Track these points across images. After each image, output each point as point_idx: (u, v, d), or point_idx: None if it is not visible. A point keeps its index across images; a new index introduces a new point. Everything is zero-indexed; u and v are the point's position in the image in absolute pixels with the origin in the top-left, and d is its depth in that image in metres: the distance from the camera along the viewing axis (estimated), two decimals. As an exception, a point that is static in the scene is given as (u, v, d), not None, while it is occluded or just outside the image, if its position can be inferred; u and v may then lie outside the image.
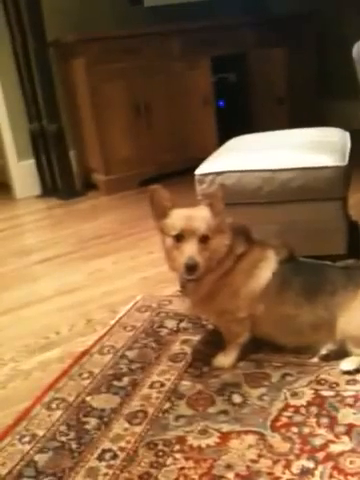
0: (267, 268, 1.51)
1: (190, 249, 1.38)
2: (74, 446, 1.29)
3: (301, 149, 1.89)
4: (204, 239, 1.40)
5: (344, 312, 1.45)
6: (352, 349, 1.45)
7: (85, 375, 1.55)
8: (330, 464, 1.14)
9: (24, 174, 3.73)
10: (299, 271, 1.53)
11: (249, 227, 1.56)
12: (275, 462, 1.17)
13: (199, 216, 1.44)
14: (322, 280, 1.51)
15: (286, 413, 1.31)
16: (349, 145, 1.98)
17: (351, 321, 1.44)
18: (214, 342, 1.63)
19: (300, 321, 1.49)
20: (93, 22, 3.69)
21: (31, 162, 3.71)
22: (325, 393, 1.36)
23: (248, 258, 1.51)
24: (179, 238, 1.41)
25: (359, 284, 1.47)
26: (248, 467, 1.16)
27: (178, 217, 1.44)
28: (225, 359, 1.53)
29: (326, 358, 1.48)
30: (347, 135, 2.10)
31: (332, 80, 4.27)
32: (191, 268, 1.38)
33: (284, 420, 1.29)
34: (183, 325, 1.76)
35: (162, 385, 1.47)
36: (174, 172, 3.51)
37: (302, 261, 1.58)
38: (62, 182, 3.63)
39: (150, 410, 1.38)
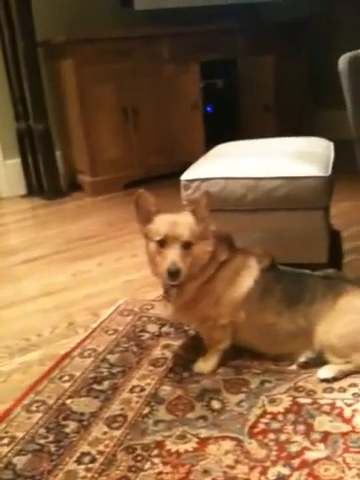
0: (249, 276, 1.53)
1: (173, 255, 1.40)
2: (53, 449, 1.29)
3: (286, 158, 1.91)
4: (187, 245, 1.42)
5: (322, 321, 1.48)
6: (330, 358, 1.47)
7: (66, 378, 1.56)
8: (305, 471, 1.16)
9: (9, 173, 3.71)
10: (280, 279, 1.56)
11: (231, 235, 1.58)
12: (252, 468, 1.18)
13: (183, 222, 1.45)
14: (302, 289, 1.54)
15: (264, 420, 1.33)
16: (333, 155, 2.01)
17: (329, 331, 1.46)
18: (195, 347, 1.65)
19: (279, 329, 1.51)
20: (83, 23, 3.69)
21: (17, 161, 3.70)
22: (302, 400, 1.38)
23: (230, 266, 1.53)
24: (162, 244, 1.42)
25: (338, 294, 1.50)
26: (225, 473, 1.18)
27: (162, 222, 1.45)
28: (205, 365, 1.55)
29: (305, 366, 1.51)
30: (331, 145, 2.13)
31: (320, 89, 4.31)
32: (173, 274, 1.39)
33: (261, 427, 1.30)
34: (165, 330, 1.77)
35: (142, 389, 1.48)
36: (161, 175, 3.53)
37: (283, 270, 1.60)
38: (47, 182, 3.63)
39: (130, 414, 1.39)
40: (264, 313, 1.52)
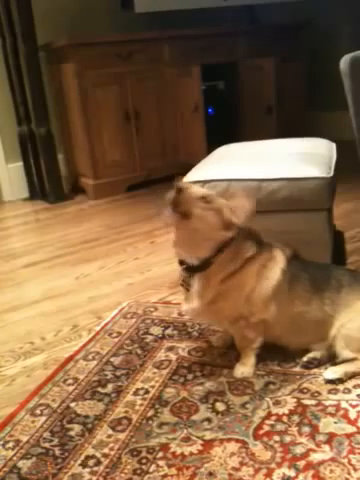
0: (276, 267, 1.49)
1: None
2: (58, 452, 1.29)
3: (288, 159, 1.91)
4: (205, 200, 1.39)
5: (346, 309, 1.46)
6: (340, 351, 1.46)
7: (70, 381, 1.56)
8: (311, 472, 1.16)
9: (12, 177, 3.72)
10: (306, 268, 1.54)
11: (258, 231, 1.54)
12: (257, 470, 1.18)
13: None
14: (328, 276, 1.53)
15: (268, 421, 1.32)
16: (335, 156, 2.01)
17: (349, 320, 1.45)
18: (199, 349, 1.65)
19: (308, 317, 1.49)
20: (84, 27, 3.71)
21: (19, 165, 3.71)
22: (307, 402, 1.38)
23: (258, 260, 1.48)
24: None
25: None
26: (230, 475, 1.17)
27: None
28: (246, 368, 1.52)
29: (308, 366, 1.50)
30: (333, 146, 2.13)
31: (321, 91, 4.32)
32: (177, 190, 1.35)
33: (266, 428, 1.30)
34: (168, 332, 1.77)
35: (146, 392, 1.48)
36: (163, 178, 3.54)
37: (307, 260, 1.57)
38: (50, 185, 3.64)
39: (134, 417, 1.39)
40: (294, 302, 1.49)
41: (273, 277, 1.48)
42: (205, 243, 1.43)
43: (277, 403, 1.38)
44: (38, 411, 1.44)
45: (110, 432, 1.34)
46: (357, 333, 1.45)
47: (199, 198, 1.39)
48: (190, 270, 1.47)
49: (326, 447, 1.22)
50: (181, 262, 1.48)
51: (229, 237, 1.43)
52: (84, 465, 1.24)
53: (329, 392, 1.41)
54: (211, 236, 1.42)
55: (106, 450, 1.28)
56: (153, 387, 1.50)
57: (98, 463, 1.24)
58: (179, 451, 1.26)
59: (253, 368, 1.52)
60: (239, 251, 1.46)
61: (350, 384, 1.42)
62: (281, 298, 1.49)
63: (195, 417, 1.36)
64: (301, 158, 1.91)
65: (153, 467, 1.22)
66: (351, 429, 1.27)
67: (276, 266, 1.49)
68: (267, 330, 1.52)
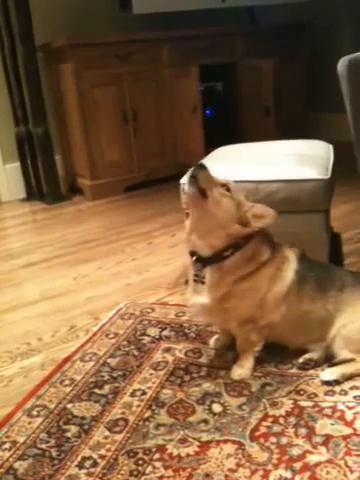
0: (290, 268, 1.49)
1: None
2: (54, 453, 1.29)
3: (286, 161, 1.91)
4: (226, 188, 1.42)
5: (348, 309, 1.47)
6: (339, 351, 1.47)
7: (67, 382, 1.56)
8: (307, 474, 1.16)
9: (9, 177, 3.72)
10: (312, 267, 1.54)
11: (270, 233, 1.54)
12: (253, 472, 1.18)
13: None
14: (332, 276, 1.54)
15: (265, 423, 1.33)
16: (332, 158, 2.01)
17: (350, 321, 1.46)
18: (196, 351, 1.65)
19: (313, 316, 1.49)
20: (82, 27, 3.71)
21: (16, 165, 3.71)
22: (304, 403, 1.38)
23: (272, 263, 1.48)
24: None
25: None
26: (226, 476, 1.18)
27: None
28: (244, 370, 1.52)
29: (304, 367, 1.51)
30: (331, 148, 2.14)
31: (320, 92, 4.32)
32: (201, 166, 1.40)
33: (263, 430, 1.30)
34: (165, 333, 1.77)
35: (143, 393, 1.48)
36: (160, 179, 3.54)
37: (313, 259, 1.58)
38: (47, 186, 3.63)
39: (131, 418, 1.39)
40: (301, 302, 1.49)
41: (287, 277, 1.49)
42: (218, 231, 1.42)
43: (274, 404, 1.39)
44: (35, 412, 1.44)
45: (107, 433, 1.34)
46: (357, 334, 1.45)
47: (220, 183, 1.43)
48: (201, 261, 1.46)
49: (323, 449, 1.23)
50: (192, 253, 1.47)
51: (243, 234, 1.43)
52: (81, 466, 1.24)
53: (326, 394, 1.41)
54: (225, 224, 1.42)
55: (103, 451, 1.28)
56: (150, 388, 1.50)
57: (95, 464, 1.24)
58: (176, 452, 1.26)
59: (251, 370, 1.52)
60: (255, 254, 1.46)
61: (347, 386, 1.42)
62: (291, 298, 1.49)
63: (192, 418, 1.37)
64: (299, 159, 1.91)
65: (150, 468, 1.22)
66: (347, 431, 1.27)
67: (290, 267, 1.50)
68: (271, 329, 1.52)
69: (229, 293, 1.45)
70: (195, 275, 1.48)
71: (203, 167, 1.42)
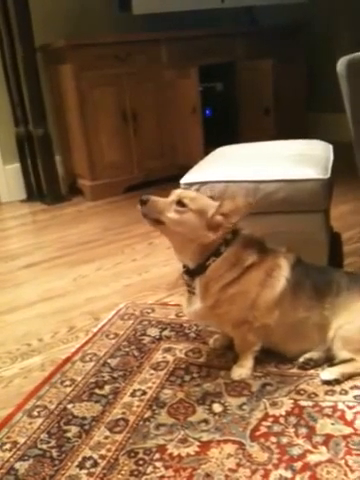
0: (281, 275, 1.49)
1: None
2: (55, 454, 1.29)
3: (285, 161, 1.91)
4: (180, 203, 1.42)
5: (344, 312, 1.47)
6: (338, 352, 1.47)
7: (67, 383, 1.56)
8: (307, 474, 1.16)
9: (9, 178, 3.72)
10: (308, 273, 1.54)
11: (263, 238, 1.55)
12: (253, 471, 1.18)
13: (192, 193, 1.50)
14: (329, 281, 1.53)
15: (265, 423, 1.33)
16: (332, 158, 2.01)
17: (347, 322, 1.46)
18: (196, 351, 1.65)
19: (310, 323, 1.50)
20: (82, 28, 3.71)
21: (16, 166, 3.71)
22: (304, 403, 1.38)
23: (262, 268, 1.48)
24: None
25: None
26: (227, 476, 1.18)
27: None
28: (243, 370, 1.52)
29: (304, 367, 1.51)
30: (330, 148, 2.14)
31: (320, 93, 4.32)
32: (142, 201, 1.42)
33: (263, 430, 1.30)
34: (165, 333, 1.77)
35: (144, 393, 1.48)
36: (160, 179, 3.53)
37: (309, 264, 1.58)
38: (47, 187, 3.64)
39: (131, 418, 1.39)
40: (296, 309, 1.50)
41: (278, 285, 1.49)
42: (190, 245, 1.45)
43: (274, 404, 1.39)
44: (35, 413, 1.44)
45: (107, 433, 1.34)
46: (355, 334, 1.45)
47: (173, 202, 1.42)
48: (189, 273, 1.49)
49: (323, 448, 1.23)
50: (183, 265, 1.52)
51: (220, 239, 1.44)
52: (81, 466, 1.24)
53: (326, 393, 1.41)
54: (194, 237, 1.43)
55: (103, 451, 1.28)
56: (150, 388, 1.50)
57: (95, 464, 1.24)
58: (176, 452, 1.26)
59: (251, 370, 1.52)
60: (238, 260, 1.46)
61: (347, 385, 1.43)
62: (284, 305, 1.50)
63: (192, 418, 1.37)
64: (298, 159, 1.91)
65: (150, 468, 1.22)
66: (348, 430, 1.27)
67: (281, 275, 1.50)
68: (266, 336, 1.53)
69: (218, 300, 1.47)
70: (187, 285, 1.52)
71: (145, 201, 1.41)
